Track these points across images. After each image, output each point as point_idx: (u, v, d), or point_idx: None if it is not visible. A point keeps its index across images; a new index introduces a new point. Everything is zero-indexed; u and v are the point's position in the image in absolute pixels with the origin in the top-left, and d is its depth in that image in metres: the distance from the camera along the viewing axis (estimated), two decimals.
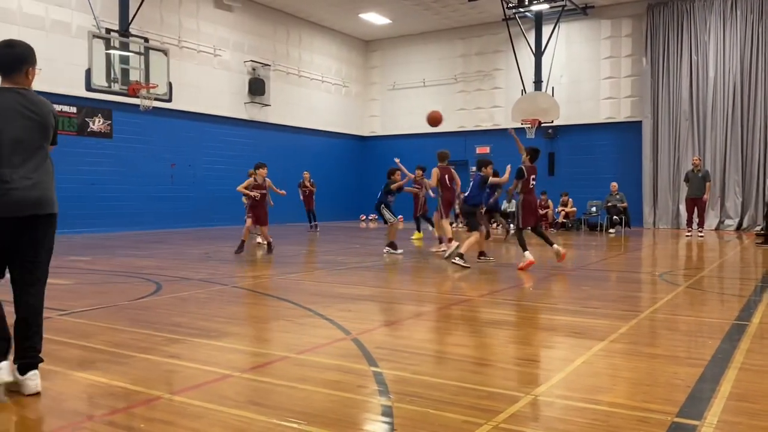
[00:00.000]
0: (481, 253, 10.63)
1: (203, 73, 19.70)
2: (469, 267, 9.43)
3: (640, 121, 20.76)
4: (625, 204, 19.17)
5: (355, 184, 26.13)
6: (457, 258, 9.50)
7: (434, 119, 11.65)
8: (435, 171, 12.00)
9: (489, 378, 3.91)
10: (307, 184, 19.47)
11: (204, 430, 3.02)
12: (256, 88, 21.15)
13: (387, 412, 3.27)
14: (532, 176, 9.96)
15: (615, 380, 3.87)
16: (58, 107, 15.99)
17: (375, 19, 23.05)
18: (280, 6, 21.91)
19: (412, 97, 25.34)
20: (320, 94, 24.42)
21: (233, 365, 4.17)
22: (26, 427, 3.08)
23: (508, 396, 3.50)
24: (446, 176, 11.95)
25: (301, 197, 19.37)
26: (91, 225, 16.66)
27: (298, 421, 3.11)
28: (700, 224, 16.34)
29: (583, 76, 21.89)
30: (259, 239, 13.24)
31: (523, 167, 9.90)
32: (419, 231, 15.59)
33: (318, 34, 24.13)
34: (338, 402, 3.44)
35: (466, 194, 10.79)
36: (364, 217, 25.74)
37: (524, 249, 9.55)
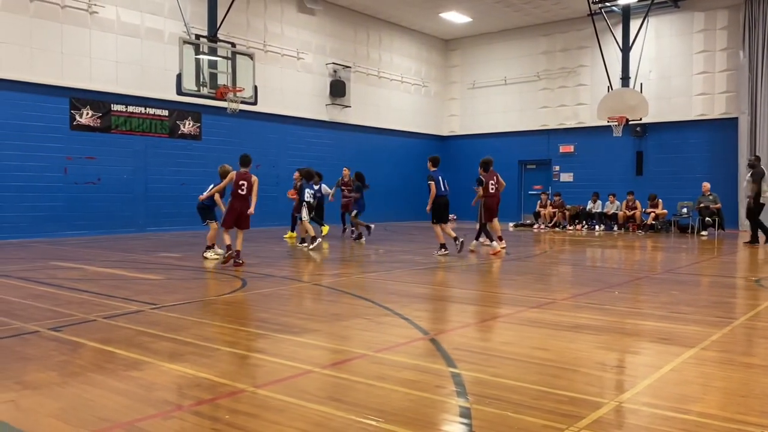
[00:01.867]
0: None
1: (286, 76, 20.20)
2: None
3: (736, 118, 19.65)
4: (718, 205, 18.20)
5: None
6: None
7: None
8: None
9: (571, 383, 3.81)
10: (348, 182, 16.69)
11: (286, 424, 3.10)
12: (337, 89, 21.49)
13: (465, 413, 3.25)
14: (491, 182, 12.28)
15: (706, 389, 3.68)
16: (151, 111, 16.88)
17: (455, 17, 22.92)
18: (360, 8, 22.17)
19: (493, 96, 25.04)
20: (400, 94, 24.52)
21: (314, 361, 4.25)
22: (119, 413, 3.26)
23: (591, 402, 3.40)
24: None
25: (344, 198, 16.56)
26: (181, 223, 17.42)
27: (376, 419, 3.14)
28: None
29: (673, 71, 20.95)
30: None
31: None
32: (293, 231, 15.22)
33: (398, 34, 24.24)
34: (416, 401, 3.44)
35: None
36: None
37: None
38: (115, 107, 16.13)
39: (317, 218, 14.55)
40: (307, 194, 13.24)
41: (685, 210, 19.44)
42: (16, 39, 14.35)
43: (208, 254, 11.00)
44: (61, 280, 8.10)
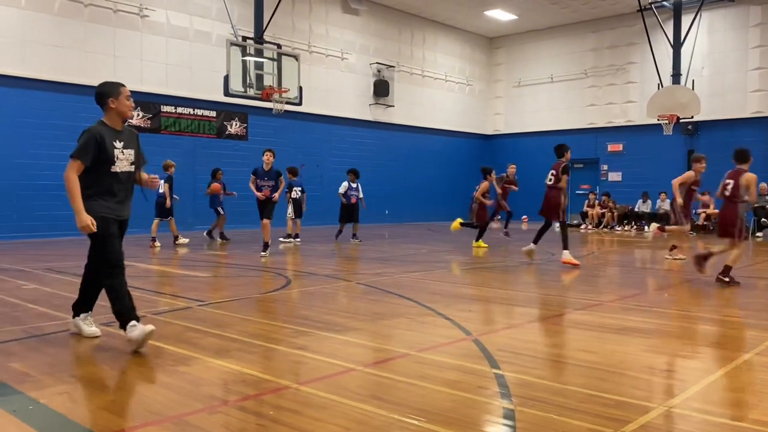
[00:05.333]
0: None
1: (331, 77, 20.35)
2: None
3: None
4: None
5: (479, 183, 25.83)
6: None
7: None
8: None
9: (618, 386, 3.73)
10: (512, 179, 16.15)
11: (328, 421, 3.12)
12: (381, 89, 21.54)
13: (509, 415, 3.21)
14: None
15: (761, 396, 3.55)
16: (199, 112, 17.22)
17: (500, 15, 22.70)
18: (404, 7, 22.16)
19: (539, 94, 24.71)
20: (443, 93, 24.42)
21: (356, 359, 4.27)
22: (168, 407, 3.34)
23: (639, 406, 3.32)
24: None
25: (500, 195, 16.06)
26: (227, 222, 17.72)
27: (418, 418, 3.13)
28: None
29: (727, 67, 20.29)
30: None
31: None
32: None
33: (441, 33, 24.15)
34: (458, 402, 3.42)
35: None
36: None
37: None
38: (165, 108, 16.53)
39: (347, 219, 14.56)
40: (295, 191, 13.89)
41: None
42: (72, 43, 14.84)
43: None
44: None
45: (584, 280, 8.61)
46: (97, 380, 3.79)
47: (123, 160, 4.69)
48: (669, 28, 19.65)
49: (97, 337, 4.83)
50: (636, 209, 20.45)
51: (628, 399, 3.46)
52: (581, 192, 23.59)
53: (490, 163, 25.88)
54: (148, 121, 16.21)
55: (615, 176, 22.85)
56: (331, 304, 6.48)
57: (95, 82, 16.88)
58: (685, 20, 19.37)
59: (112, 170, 4.62)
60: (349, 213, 14.60)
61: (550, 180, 10.24)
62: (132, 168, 4.79)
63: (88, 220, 4.47)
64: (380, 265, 10.46)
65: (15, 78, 14.05)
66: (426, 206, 22.75)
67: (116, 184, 4.67)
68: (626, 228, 20.00)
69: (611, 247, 14.35)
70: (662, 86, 19.27)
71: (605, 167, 23.16)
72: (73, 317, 4.97)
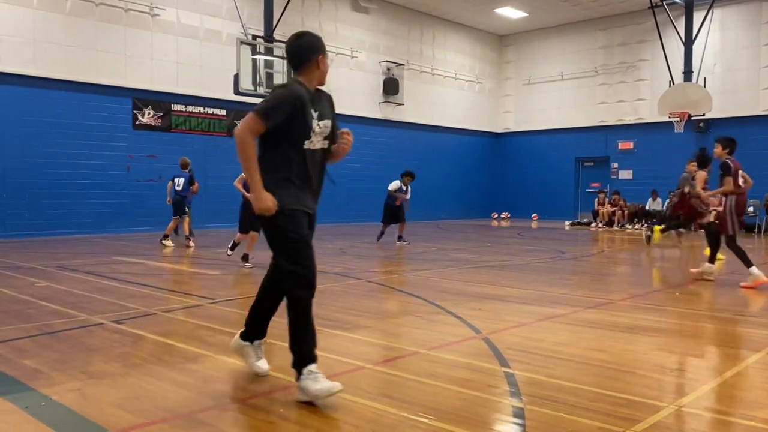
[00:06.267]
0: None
1: (340, 75, 20.35)
2: None
3: None
4: None
5: (488, 181, 25.86)
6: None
7: None
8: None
9: (628, 385, 3.72)
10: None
11: (338, 419, 3.13)
12: (390, 87, 21.53)
13: (518, 413, 3.21)
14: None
15: None
16: (209, 110, 17.29)
17: (510, 13, 22.62)
18: (414, 5, 22.13)
19: (549, 92, 24.61)
20: (453, 91, 24.38)
21: (366, 357, 4.28)
22: (179, 404, 3.36)
23: (650, 405, 3.31)
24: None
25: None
26: (228, 222, 17.79)
27: (428, 417, 3.13)
28: None
29: (739, 64, 20.13)
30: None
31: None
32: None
33: (451, 31, 24.10)
34: (468, 400, 3.42)
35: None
36: (496, 215, 25.40)
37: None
38: (176, 107, 16.60)
39: (392, 220, 13.32)
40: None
41: (751, 209, 18.65)
42: (83, 42, 14.93)
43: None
44: (124, 275, 8.39)
45: (594, 279, 8.58)
46: (108, 377, 3.81)
47: (319, 134, 3.52)
48: (680, 25, 19.51)
49: (263, 376, 3.81)
50: (647, 207, 20.33)
51: (639, 398, 3.45)
52: (591, 190, 23.50)
53: (500, 162, 25.96)
54: (159, 120, 16.28)
55: (626, 174, 22.73)
56: (341, 303, 6.49)
57: (106, 82, 16.88)
58: (697, 17, 19.23)
59: (305, 146, 3.46)
60: (394, 214, 13.39)
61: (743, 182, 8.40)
62: (326, 145, 3.62)
63: (270, 201, 3.34)
64: (390, 263, 10.47)
65: (27, 77, 14.15)
66: (435, 204, 22.71)
67: (310, 165, 3.51)
68: (637, 226, 19.89)
69: (621, 245, 14.28)
70: (673, 84, 19.15)
71: (616, 165, 23.04)
72: (242, 338, 3.91)
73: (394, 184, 13.41)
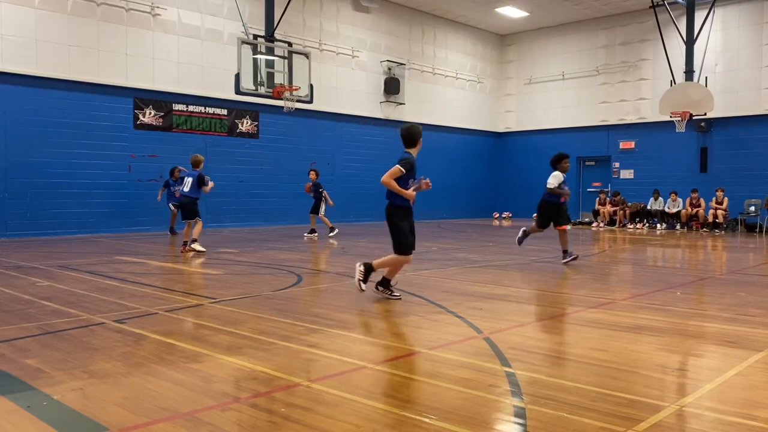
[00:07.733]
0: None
1: (341, 74, 20.36)
2: None
3: None
4: None
5: (490, 181, 25.86)
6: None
7: None
8: None
9: (630, 385, 3.71)
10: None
11: (339, 419, 3.13)
12: (392, 87, 21.53)
13: (520, 413, 3.21)
14: None
15: None
16: (210, 110, 17.30)
17: (511, 12, 22.62)
18: (415, 5, 22.13)
19: (550, 92, 24.61)
20: (454, 91, 24.37)
21: (367, 357, 4.28)
22: (180, 404, 3.36)
23: (651, 405, 3.30)
24: None
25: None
26: (239, 219, 17.81)
27: (430, 416, 3.13)
28: None
29: (741, 64, 20.12)
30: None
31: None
32: None
33: (452, 30, 24.10)
34: (470, 400, 3.42)
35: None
36: (498, 214, 25.40)
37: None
38: (177, 107, 16.61)
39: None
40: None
41: (752, 208, 18.67)
42: (84, 42, 14.95)
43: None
44: (125, 274, 8.40)
45: (596, 278, 8.57)
46: (110, 376, 3.82)
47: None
48: (682, 25, 19.51)
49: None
50: (648, 207, 20.33)
51: (640, 398, 3.44)
52: (593, 190, 23.50)
53: (501, 162, 25.95)
54: (160, 120, 16.29)
55: (627, 174, 22.73)
56: (343, 302, 6.49)
57: (107, 81, 16.91)
58: (698, 16, 19.22)
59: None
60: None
61: None
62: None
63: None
64: None
65: (28, 77, 14.17)
66: (436, 204, 22.71)
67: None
68: (638, 226, 19.89)
69: (623, 245, 14.27)
70: (675, 83, 19.14)
71: (617, 165, 23.04)
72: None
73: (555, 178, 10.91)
